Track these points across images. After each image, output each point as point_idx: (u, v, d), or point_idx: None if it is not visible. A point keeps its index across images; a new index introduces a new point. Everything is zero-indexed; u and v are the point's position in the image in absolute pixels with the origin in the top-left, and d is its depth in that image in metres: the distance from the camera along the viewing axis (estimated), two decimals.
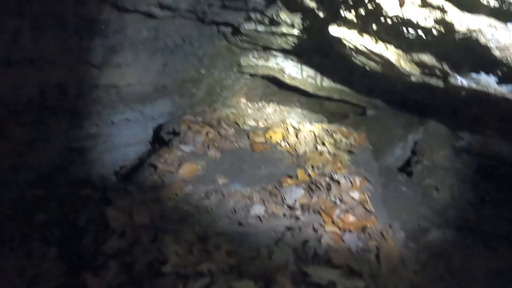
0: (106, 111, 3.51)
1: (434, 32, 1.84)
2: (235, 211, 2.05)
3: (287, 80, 5.28)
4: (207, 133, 2.83)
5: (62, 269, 2.00)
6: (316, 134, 2.94)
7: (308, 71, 5.05)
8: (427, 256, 2.38)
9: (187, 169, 2.39)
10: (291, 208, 2.07)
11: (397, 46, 2.26)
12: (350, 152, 2.82)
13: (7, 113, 2.54)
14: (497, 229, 3.06)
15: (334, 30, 2.44)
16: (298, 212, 2.00)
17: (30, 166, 2.96)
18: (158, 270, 1.45)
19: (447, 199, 3.38)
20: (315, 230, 1.78)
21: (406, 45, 2.18)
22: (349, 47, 2.54)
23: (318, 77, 5.08)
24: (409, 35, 1.96)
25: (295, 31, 3.30)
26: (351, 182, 2.29)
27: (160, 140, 3.51)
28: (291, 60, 4.92)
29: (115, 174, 3.63)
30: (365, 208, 2.12)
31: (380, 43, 2.32)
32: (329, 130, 3.11)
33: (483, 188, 3.61)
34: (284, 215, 2.01)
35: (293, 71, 5.14)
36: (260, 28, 3.46)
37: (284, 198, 2.15)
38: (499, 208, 3.33)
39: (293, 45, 3.64)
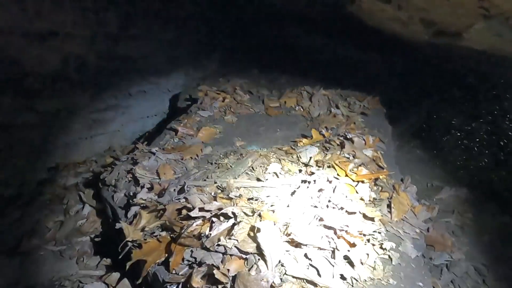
0: (124, 83, 3.64)
1: None
2: (253, 168, 2.16)
3: (300, 49, 5.23)
4: (223, 99, 2.92)
5: (97, 223, 2.19)
6: (330, 98, 2.99)
7: (322, 40, 4.98)
8: (438, 210, 2.46)
9: (206, 133, 2.50)
10: (306, 165, 2.17)
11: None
12: (363, 114, 2.86)
13: (36, 84, 2.68)
14: (510, 189, 3.09)
15: None
16: (313, 168, 2.10)
17: (57, 136, 3.14)
18: (187, 215, 1.59)
19: (461, 160, 3.41)
20: (329, 181, 1.88)
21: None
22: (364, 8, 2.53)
23: (332, 45, 5.01)
24: None
25: None
26: (364, 140, 2.36)
27: (177, 109, 3.63)
28: (305, 28, 4.86)
29: (135, 143, 3.80)
30: (378, 165, 2.20)
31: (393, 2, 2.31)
32: (342, 95, 3.14)
33: (498, 150, 3.60)
34: (300, 171, 2.12)
35: (307, 40, 5.08)
36: None
37: (300, 157, 2.25)
38: None
39: (306, 10, 3.60)
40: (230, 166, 2.16)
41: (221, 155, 2.30)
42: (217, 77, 4.42)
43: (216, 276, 1.37)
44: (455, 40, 2.30)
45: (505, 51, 2.03)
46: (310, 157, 2.20)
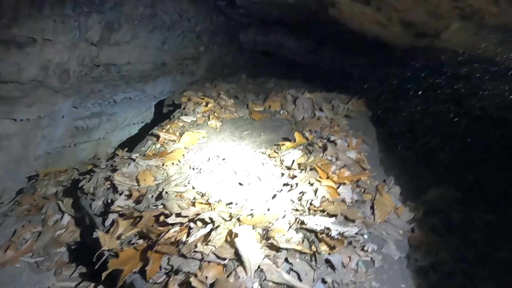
0: (108, 90, 3.58)
1: None
2: (235, 173, 2.13)
3: (287, 54, 5.25)
4: (206, 104, 2.89)
5: (76, 233, 2.13)
6: (314, 101, 2.99)
7: (308, 45, 5.01)
8: (424, 211, 2.45)
9: (189, 138, 2.47)
10: (289, 168, 2.15)
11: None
12: (347, 116, 2.86)
13: (14, 92, 2.62)
14: (497, 188, 3.10)
15: None
16: (296, 171, 2.08)
17: (39, 144, 3.07)
18: (164, 222, 1.55)
19: (447, 161, 3.43)
20: (311, 184, 1.85)
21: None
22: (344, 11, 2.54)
23: (319, 50, 5.04)
24: None
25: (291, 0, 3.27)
26: (347, 143, 2.35)
27: (162, 115, 3.59)
28: (291, 33, 4.89)
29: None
30: (361, 166, 2.19)
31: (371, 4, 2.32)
32: (327, 97, 3.14)
33: (483, 150, 3.63)
34: (282, 174, 2.09)
35: (293, 44, 5.11)
36: None
37: (283, 160, 2.23)
38: (500, 168, 3.36)
39: (290, 15, 3.62)
40: (212, 171, 2.12)
41: (203, 160, 2.26)
42: (205, 83, 4.41)
43: (193, 284, 1.33)
44: (434, 41, 2.32)
45: (482, 50, 2.05)
46: (293, 160, 2.18)
